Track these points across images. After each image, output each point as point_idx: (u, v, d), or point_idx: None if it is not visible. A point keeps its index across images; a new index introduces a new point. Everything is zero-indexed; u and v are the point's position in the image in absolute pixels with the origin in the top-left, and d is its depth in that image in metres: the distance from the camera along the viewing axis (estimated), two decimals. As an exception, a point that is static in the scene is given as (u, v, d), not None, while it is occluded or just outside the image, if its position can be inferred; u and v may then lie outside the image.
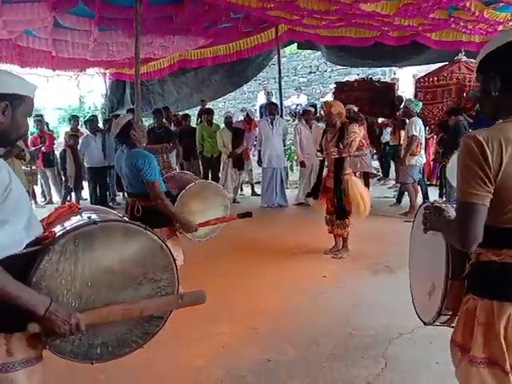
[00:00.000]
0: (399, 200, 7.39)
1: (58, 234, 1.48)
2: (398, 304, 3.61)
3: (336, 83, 9.10)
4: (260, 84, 14.55)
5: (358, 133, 4.72)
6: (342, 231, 4.82)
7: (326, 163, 4.94)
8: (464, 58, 7.70)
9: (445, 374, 2.59)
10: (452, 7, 5.97)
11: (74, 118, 9.18)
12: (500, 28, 6.51)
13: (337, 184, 4.63)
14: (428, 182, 7.79)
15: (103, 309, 1.51)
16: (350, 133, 4.60)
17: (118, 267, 1.55)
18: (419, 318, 1.91)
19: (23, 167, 6.81)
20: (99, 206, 1.97)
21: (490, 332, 1.40)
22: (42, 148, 8.59)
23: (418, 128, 6.40)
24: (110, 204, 8.49)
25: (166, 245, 1.67)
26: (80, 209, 1.76)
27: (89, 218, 1.58)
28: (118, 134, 3.45)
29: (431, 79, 7.72)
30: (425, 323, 1.85)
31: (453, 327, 1.64)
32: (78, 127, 9.19)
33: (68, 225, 1.55)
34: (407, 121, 7.01)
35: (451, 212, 1.71)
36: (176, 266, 1.70)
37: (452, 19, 6.34)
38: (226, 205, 3.88)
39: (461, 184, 1.40)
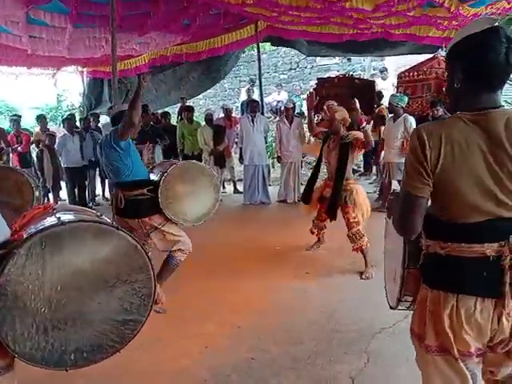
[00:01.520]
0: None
1: (24, 237, 1.42)
2: (380, 298, 3.62)
3: (318, 79, 9.14)
4: (240, 81, 14.51)
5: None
6: (359, 243, 4.27)
7: (326, 172, 4.67)
8: (443, 54, 7.80)
9: (426, 367, 2.63)
10: (428, 4, 6.03)
11: (40, 118, 9.00)
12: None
13: (336, 192, 4.32)
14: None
15: None
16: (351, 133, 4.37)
17: (89, 270, 1.49)
18: (388, 302, 1.98)
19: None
20: (76, 206, 1.91)
21: (437, 320, 1.45)
22: (19, 148, 8.40)
23: (414, 126, 6.30)
24: (90, 204, 8.37)
25: (140, 245, 1.62)
26: (55, 209, 1.70)
27: (58, 218, 1.51)
28: (116, 114, 3.40)
29: (411, 74, 7.81)
30: (391, 307, 1.92)
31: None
32: (49, 126, 9.02)
33: (39, 226, 1.49)
34: (387, 116, 7.06)
35: None
36: (152, 267, 1.64)
37: (426, 17, 6.41)
38: (216, 184, 3.70)
39: (404, 174, 1.46)
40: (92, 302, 1.52)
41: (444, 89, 7.40)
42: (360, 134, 4.29)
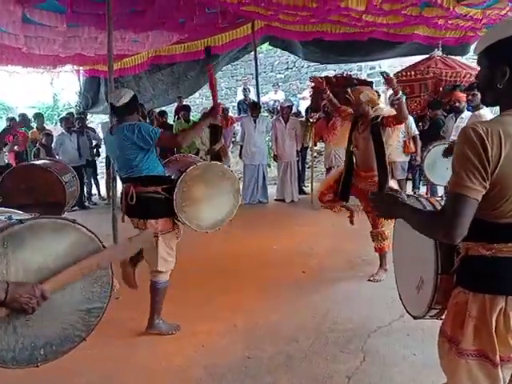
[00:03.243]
0: None
1: None
2: (376, 297, 3.66)
3: (316, 78, 9.12)
4: (237, 80, 14.50)
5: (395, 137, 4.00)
6: (381, 244, 4.04)
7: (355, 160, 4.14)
8: (439, 54, 7.81)
9: (422, 365, 2.63)
10: (425, 4, 6.04)
11: (38, 117, 9.00)
12: (469, 23, 6.63)
13: (382, 185, 3.83)
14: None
15: (62, 273, 1.51)
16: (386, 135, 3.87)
17: (52, 264, 1.53)
18: (408, 312, 1.90)
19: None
20: (4, 208, 1.87)
21: (482, 325, 1.39)
22: (15, 147, 8.38)
23: (414, 125, 6.34)
24: (86, 203, 8.35)
25: (95, 236, 1.67)
26: None
27: (9, 218, 1.53)
28: (128, 102, 3.04)
29: (409, 73, 7.80)
30: (414, 317, 1.83)
31: (441, 319, 1.64)
32: (45, 125, 9.03)
33: None
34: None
35: (428, 206, 1.70)
36: None
37: (422, 17, 6.42)
38: (237, 188, 3.37)
39: (456, 175, 1.34)
40: (57, 295, 1.55)
41: (476, 86, 7.36)
42: (389, 110, 3.86)
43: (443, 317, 1.64)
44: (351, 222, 4.52)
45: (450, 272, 1.57)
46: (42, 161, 4.60)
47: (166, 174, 3.20)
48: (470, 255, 1.46)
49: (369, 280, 4.07)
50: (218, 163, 3.61)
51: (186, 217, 3.12)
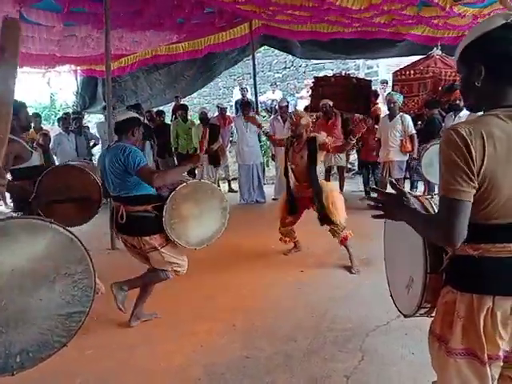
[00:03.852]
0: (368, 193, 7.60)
1: None
2: (374, 296, 3.65)
3: (314, 77, 9.10)
4: (235, 80, 14.49)
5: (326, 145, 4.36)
6: (342, 235, 4.30)
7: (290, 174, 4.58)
8: (439, 53, 7.82)
9: (420, 364, 2.63)
10: (422, 3, 6.05)
11: (35, 117, 8.94)
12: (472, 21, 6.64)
13: (317, 194, 4.31)
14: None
15: None
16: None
17: (27, 267, 1.47)
18: (399, 311, 1.92)
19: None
20: None
21: (470, 324, 1.40)
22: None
23: (412, 124, 6.35)
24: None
25: (76, 236, 1.61)
26: None
27: None
28: (121, 121, 3.17)
29: (408, 72, 7.80)
30: (405, 316, 1.85)
31: (431, 317, 1.64)
32: (42, 125, 8.97)
33: None
34: (381, 116, 7.07)
35: (416, 205, 1.67)
36: (90, 257, 1.62)
37: (420, 16, 6.43)
38: (225, 207, 3.44)
39: (445, 180, 1.34)
40: (33, 299, 1.49)
41: (459, 89, 7.38)
42: (326, 139, 4.35)
43: (433, 314, 1.65)
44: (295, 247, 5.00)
45: (439, 271, 1.58)
46: (76, 162, 4.63)
47: (157, 193, 3.24)
48: (457, 255, 1.46)
49: (351, 273, 4.25)
50: (208, 182, 3.71)
51: (175, 234, 3.19)
